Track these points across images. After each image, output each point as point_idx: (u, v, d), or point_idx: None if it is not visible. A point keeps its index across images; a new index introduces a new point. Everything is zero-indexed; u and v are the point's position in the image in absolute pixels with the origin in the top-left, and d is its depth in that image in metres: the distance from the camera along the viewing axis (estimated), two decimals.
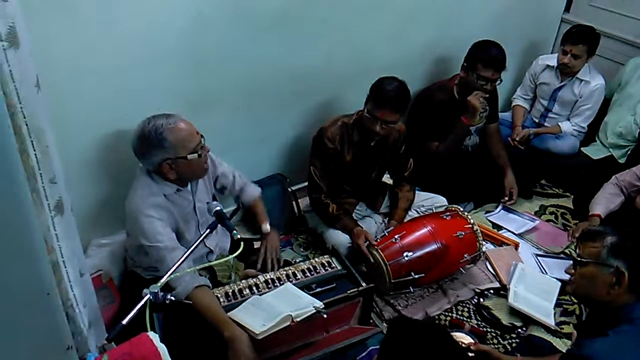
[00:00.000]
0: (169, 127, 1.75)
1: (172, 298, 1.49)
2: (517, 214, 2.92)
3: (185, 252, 1.58)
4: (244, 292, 1.91)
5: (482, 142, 3.05)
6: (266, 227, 2.21)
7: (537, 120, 3.33)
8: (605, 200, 2.47)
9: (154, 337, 1.10)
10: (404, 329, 1.19)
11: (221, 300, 1.87)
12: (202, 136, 1.84)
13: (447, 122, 2.79)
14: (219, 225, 1.73)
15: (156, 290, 1.43)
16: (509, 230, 2.79)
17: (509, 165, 2.96)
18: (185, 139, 1.77)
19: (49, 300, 0.98)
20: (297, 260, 2.46)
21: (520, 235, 2.77)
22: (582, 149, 3.24)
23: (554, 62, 3.13)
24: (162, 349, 1.07)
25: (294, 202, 2.72)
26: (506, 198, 2.94)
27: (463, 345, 2.05)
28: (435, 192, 2.76)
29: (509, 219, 2.87)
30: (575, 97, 3.13)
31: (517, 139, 3.13)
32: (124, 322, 1.37)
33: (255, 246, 2.51)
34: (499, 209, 2.95)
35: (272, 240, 2.21)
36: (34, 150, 1.21)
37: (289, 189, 2.73)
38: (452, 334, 2.15)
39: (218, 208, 1.74)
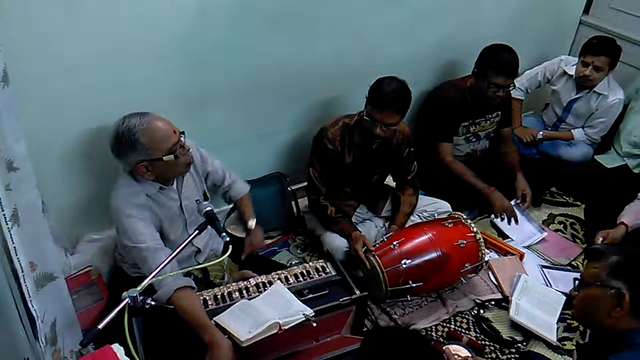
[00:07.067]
0: (141, 127, 1.67)
1: (152, 302, 1.44)
2: (527, 217, 2.81)
3: (169, 255, 1.53)
4: (234, 296, 1.85)
5: (493, 146, 2.95)
6: (251, 223, 2.11)
7: (549, 129, 3.21)
8: (635, 213, 2.37)
9: (118, 349, 1.05)
10: (379, 336, 1.13)
11: (210, 303, 1.81)
12: (182, 133, 1.75)
13: (457, 122, 2.70)
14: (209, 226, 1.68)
15: (135, 294, 1.38)
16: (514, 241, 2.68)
17: (520, 169, 2.85)
18: (159, 140, 1.69)
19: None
20: (293, 263, 2.42)
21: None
22: (595, 156, 3.12)
23: (572, 71, 2.98)
24: None
25: (293, 202, 2.66)
26: (519, 200, 2.81)
27: (459, 358, 1.98)
28: (440, 197, 2.66)
29: (516, 225, 2.72)
30: (591, 110, 3.00)
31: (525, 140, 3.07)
32: (100, 326, 1.31)
33: None
34: None
35: (255, 236, 2.11)
36: None
37: (289, 189, 2.67)
38: (449, 346, 2.09)
39: (209, 209, 1.68)
